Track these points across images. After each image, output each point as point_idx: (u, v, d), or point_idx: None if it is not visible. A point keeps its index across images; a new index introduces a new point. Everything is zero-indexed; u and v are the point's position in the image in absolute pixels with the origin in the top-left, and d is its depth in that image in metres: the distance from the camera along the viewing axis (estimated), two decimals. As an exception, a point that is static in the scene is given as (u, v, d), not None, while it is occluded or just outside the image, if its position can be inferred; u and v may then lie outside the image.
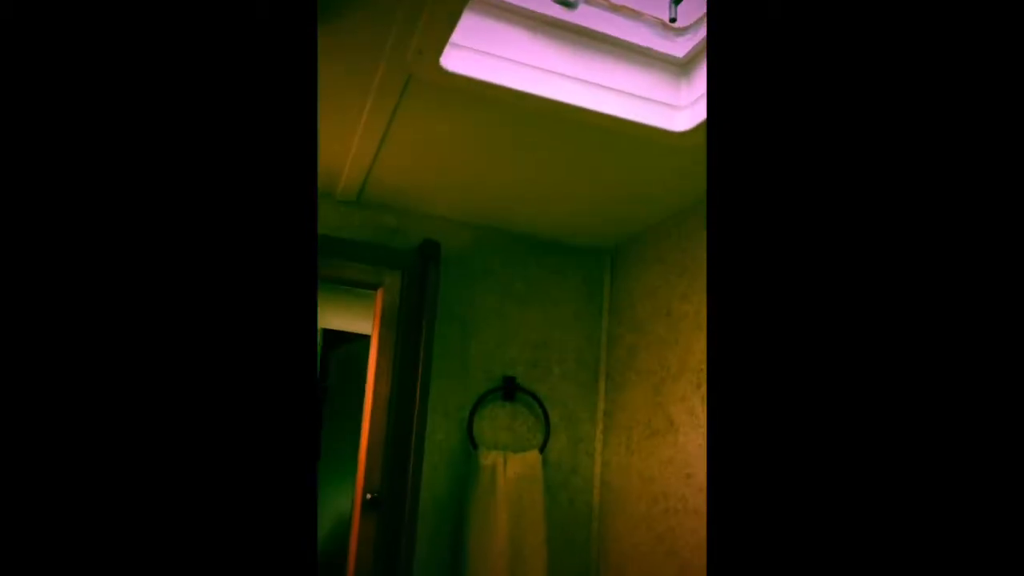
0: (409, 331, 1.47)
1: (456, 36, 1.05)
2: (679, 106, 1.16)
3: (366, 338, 2.04)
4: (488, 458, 1.53)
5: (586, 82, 1.11)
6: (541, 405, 1.66)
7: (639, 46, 1.14)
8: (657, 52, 1.15)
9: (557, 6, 1.09)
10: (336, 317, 2.52)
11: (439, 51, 1.01)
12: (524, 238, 1.74)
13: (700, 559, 1.32)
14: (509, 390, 1.64)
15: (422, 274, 1.50)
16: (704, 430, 1.37)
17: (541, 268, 1.75)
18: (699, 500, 1.35)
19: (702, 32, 1.13)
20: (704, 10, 1.12)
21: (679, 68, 1.17)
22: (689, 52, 1.16)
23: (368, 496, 1.41)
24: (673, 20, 1.11)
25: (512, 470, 1.54)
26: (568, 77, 1.10)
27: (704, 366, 1.40)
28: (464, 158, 1.37)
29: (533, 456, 1.58)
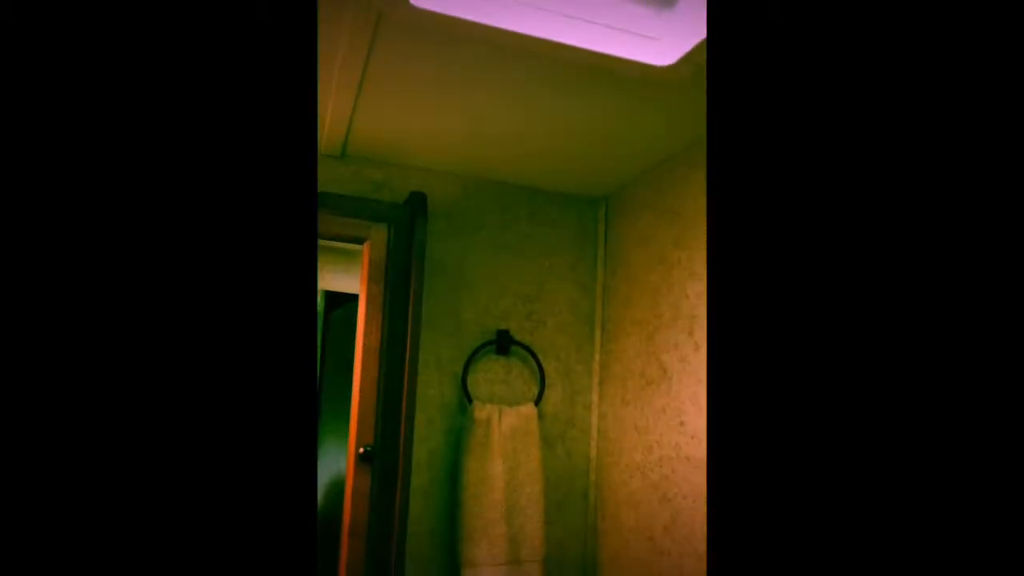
0: (398, 285, 1.46)
1: (424, -29, 1.00)
2: (662, 38, 1.11)
3: (361, 296, 2.04)
4: (483, 411, 1.53)
5: (563, 15, 1.06)
6: (536, 358, 1.65)
7: (619, -23, 1.09)
8: (638, -17, 1.10)
9: (530, -64, 1.04)
10: (336, 279, 2.53)
11: (406, -14, 0.96)
12: (514, 188, 1.71)
13: (692, 504, 1.31)
14: (503, 343, 1.62)
15: (409, 227, 1.48)
16: (696, 377, 1.35)
17: (533, 219, 1.71)
18: (691, 447, 1.34)
19: (685, -41, 1.07)
20: (687, -65, 1.06)
21: (662, -1, 1.12)
22: (673, -18, 1.10)
23: (361, 450, 1.42)
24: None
25: (507, 423, 1.54)
26: (544, 10, 1.06)
27: (697, 312, 1.38)
28: (445, 104, 1.33)
29: (528, 409, 1.58)
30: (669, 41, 1.10)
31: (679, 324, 1.42)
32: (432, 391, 1.57)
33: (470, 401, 1.56)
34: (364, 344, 1.44)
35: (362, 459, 1.42)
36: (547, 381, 1.66)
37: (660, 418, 1.45)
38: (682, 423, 1.38)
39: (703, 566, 1.27)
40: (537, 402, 1.62)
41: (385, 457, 1.40)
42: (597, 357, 1.72)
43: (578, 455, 1.68)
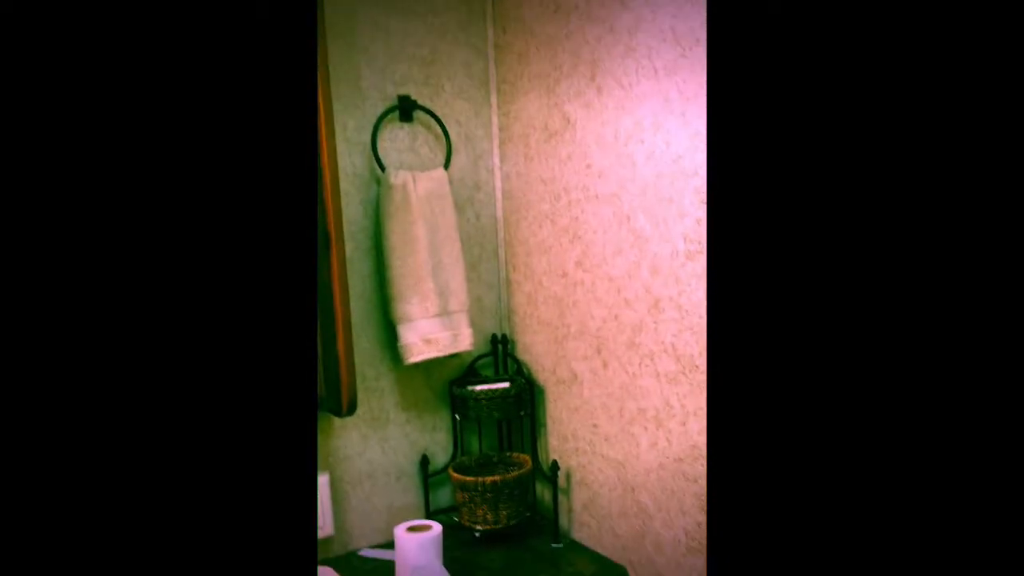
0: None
1: None
2: None
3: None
4: (398, 178, 1.55)
5: None
6: (440, 123, 1.66)
7: None
8: None
9: None
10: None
11: None
12: (396, -60, 1.58)
13: (602, 237, 1.47)
14: (405, 109, 1.61)
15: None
16: (600, 119, 1.44)
17: (419, -25, 1.62)
18: (599, 187, 1.47)
19: None
20: None
21: None
22: None
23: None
24: None
25: (422, 187, 1.58)
26: None
27: (597, 55, 1.43)
28: None
29: (440, 173, 1.62)
30: None
31: (580, 70, 1.48)
32: (342, 162, 1.55)
33: (383, 169, 1.57)
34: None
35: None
36: (452, 146, 1.69)
37: (566, 165, 1.55)
38: (589, 165, 1.49)
39: (613, 284, 1.46)
40: (446, 166, 1.66)
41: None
42: (495, 120, 1.76)
43: (486, 217, 1.78)
